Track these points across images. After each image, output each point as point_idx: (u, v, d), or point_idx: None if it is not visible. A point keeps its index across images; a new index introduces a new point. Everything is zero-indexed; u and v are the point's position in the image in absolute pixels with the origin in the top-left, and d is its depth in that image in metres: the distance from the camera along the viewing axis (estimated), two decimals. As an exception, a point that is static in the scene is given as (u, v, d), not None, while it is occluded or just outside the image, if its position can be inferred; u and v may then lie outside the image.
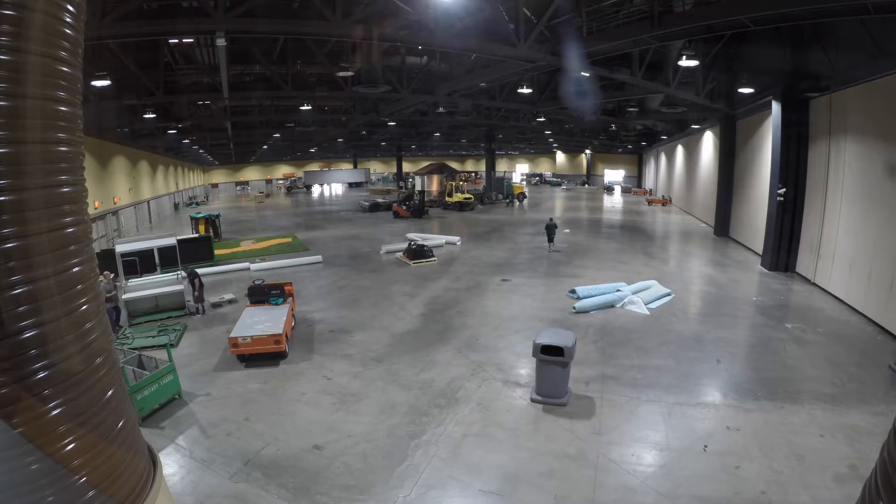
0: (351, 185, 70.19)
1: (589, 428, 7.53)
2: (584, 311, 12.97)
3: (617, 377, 9.20)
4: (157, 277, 14.60)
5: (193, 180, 60.07)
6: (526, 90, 20.61)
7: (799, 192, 16.08)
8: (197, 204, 49.60)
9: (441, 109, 27.25)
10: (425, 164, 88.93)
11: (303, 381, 9.32)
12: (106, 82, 13.58)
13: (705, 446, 6.99)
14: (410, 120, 33.66)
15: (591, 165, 65.37)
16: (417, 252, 19.28)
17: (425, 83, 20.76)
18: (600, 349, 10.50)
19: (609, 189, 56.71)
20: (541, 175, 72.97)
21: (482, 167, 65.95)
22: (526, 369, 9.45)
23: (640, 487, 6.18)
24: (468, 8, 12.22)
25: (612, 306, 13.29)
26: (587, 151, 63.46)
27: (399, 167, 67.88)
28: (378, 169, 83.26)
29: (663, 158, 45.12)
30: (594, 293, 13.82)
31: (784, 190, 16.09)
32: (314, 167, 74.80)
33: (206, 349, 10.95)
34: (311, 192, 63.41)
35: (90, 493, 3.42)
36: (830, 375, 9.08)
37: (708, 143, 28.87)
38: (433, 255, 19.51)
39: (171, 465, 6.73)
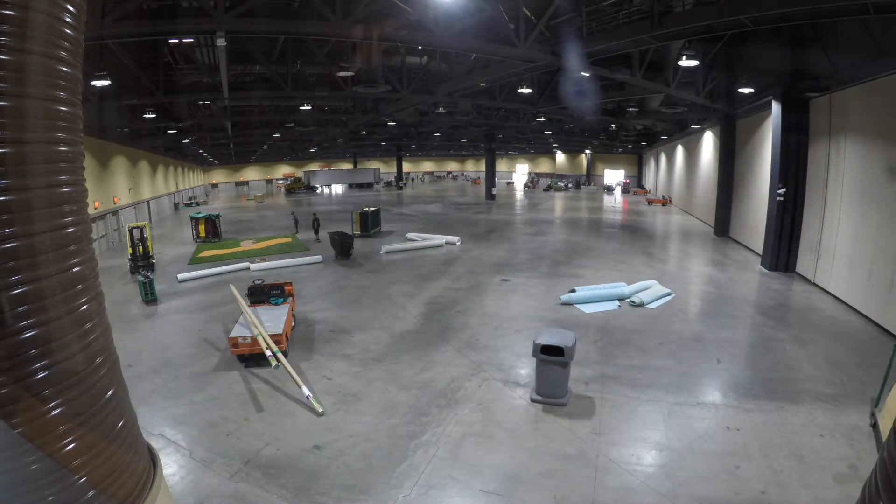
0: (352, 185, 69.62)
1: (589, 428, 7.53)
2: (569, 304, 13.45)
3: (617, 377, 9.20)
4: None
5: (193, 180, 60.07)
6: (526, 90, 20.61)
7: (799, 192, 16.09)
8: (197, 203, 49.56)
9: (441, 109, 27.26)
10: (426, 164, 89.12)
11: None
12: (106, 82, 13.58)
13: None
14: (410, 120, 33.66)
15: (590, 165, 65.39)
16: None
17: (425, 83, 20.77)
18: (600, 349, 10.50)
19: (609, 189, 56.85)
20: (539, 176, 73.05)
21: (482, 167, 66.00)
22: (526, 369, 9.45)
23: (640, 487, 6.18)
24: (468, 8, 12.22)
25: (602, 301, 13.51)
26: (587, 151, 63.48)
27: (399, 167, 67.88)
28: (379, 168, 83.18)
29: (663, 158, 45.14)
30: (593, 292, 13.85)
31: (784, 190, 16.09)
32: (314, 167, 74.66)
33: (206, 349, 10.95)
34: (314, 193, 62.64)
35: (90, 493, 3.42)
36: (830, 375, 9.08)
37: (708, 143, 28.88)
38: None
39: (171, 465, 6.72)
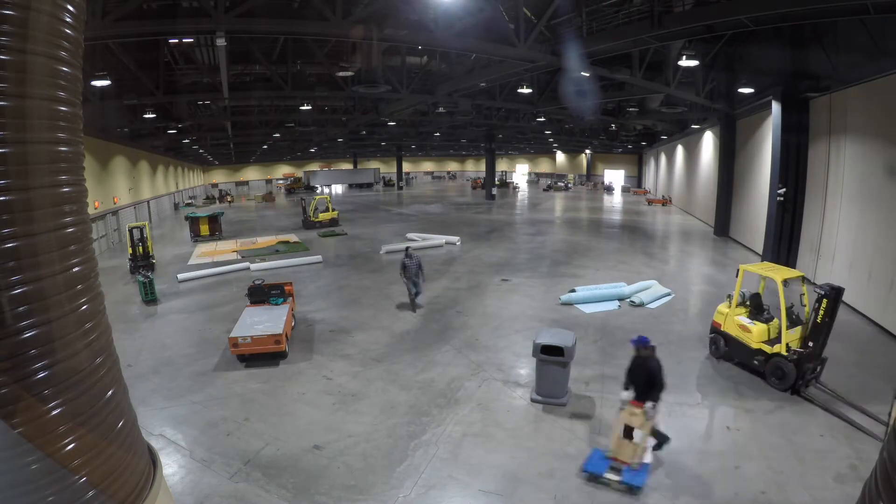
0: (352, 185, 69.76)
1: (589, 428, 7.53)
2: (569, 304, 13.45)
3: (617, 377, 9.12)
4: None
5: (193, 180, 60.06)
6: (526, 90, 20.61)
7: (799, 192, 16.08)
8: (193, 204, 49.28)
9: (441, 109, 27.25)
10: (426, 164, 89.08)
11: (303, 380, 9.32)
12: (106, 82, 13.59)
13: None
14: (410, 120, 33.66)
15: (590, 165, 65.43)
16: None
17: (425, 83, 20.77)
18: (600, 349, 10.50)
19: (609, 189, 56.93)
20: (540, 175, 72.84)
21: (482, 167, 65.96)
22: (526, 369, 9.46)
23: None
24: (468, 8, 12.21)
25: (602, 301, 13.52)
26: (587, 151, 63.50)
27: (399, 167, 67.86)
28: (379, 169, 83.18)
29: (663, 158, 45.14)
30: (593, 292, 13.86)
31: (784, 190, 16.09)
32: (314, 167, 74.64)
33: (206, 349, 10.95)
34: (314, 193, 62.73)
35: (90, 493, 3.43)
36: (830, 375, 9.06)
37: (708, 143, 28.88)
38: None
39: (171, 465, 6.73)
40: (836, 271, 13.87)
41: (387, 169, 77.89)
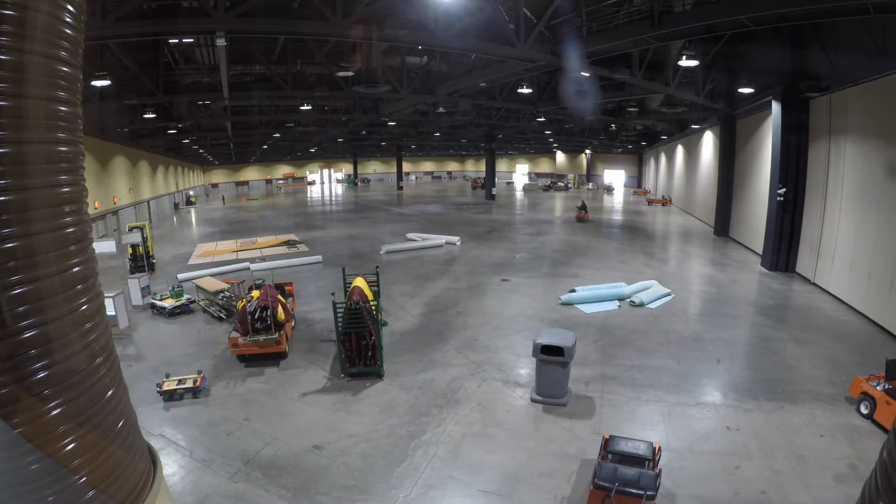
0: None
1: (589, 428, 7.53)
2: (569, 304, 13.45)
3: (617, 377, 9.20)
4: None
5: (193, 180, 60.07)
6: (526, 90, 20.60)
7: (799, 192, 16.09)
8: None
9: (441, 109, 27.25)
10: (426, 164, 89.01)
11: (303, 381, 9.32)
12: (106, 82, 13.59)
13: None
14: (410, 120, 33.66)
15: (590, 165, 65.42)
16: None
17: (425, 83, 20.77)
18: (600, 349, 10.50)
19: (609, 189, 57.00)
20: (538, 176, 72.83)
21: (482, 167, 65.97)
22: (526, 369, 9.46)
23: (640, 487, 6.17)
24: (468, 8, 12.21)
25: (602, 301, 13.52)
26: (587, 151, 63.50)
27: (399, 167, 67.88)
28: (378, 169, 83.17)
29: (663, 158, 45.13)
30: (593, 292, 13.86)
31: (784, 190, 16.09)
32: (314, 167, 74.59)
33: (206, 349, 10.95)
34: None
35: (90, 493, 3.42)
36: (830, 375, 9.08)
37: (708, 143, 28.88)
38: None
39: (171, 465, 6.73)
40: (836, 271, 13.88)
41: (387, 169, 77.86)
